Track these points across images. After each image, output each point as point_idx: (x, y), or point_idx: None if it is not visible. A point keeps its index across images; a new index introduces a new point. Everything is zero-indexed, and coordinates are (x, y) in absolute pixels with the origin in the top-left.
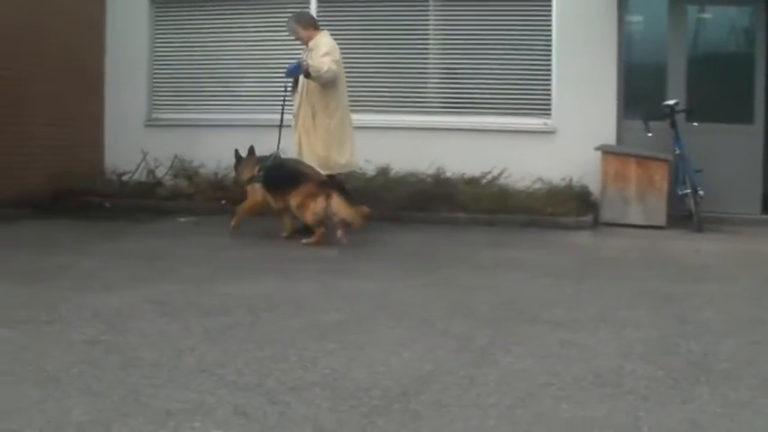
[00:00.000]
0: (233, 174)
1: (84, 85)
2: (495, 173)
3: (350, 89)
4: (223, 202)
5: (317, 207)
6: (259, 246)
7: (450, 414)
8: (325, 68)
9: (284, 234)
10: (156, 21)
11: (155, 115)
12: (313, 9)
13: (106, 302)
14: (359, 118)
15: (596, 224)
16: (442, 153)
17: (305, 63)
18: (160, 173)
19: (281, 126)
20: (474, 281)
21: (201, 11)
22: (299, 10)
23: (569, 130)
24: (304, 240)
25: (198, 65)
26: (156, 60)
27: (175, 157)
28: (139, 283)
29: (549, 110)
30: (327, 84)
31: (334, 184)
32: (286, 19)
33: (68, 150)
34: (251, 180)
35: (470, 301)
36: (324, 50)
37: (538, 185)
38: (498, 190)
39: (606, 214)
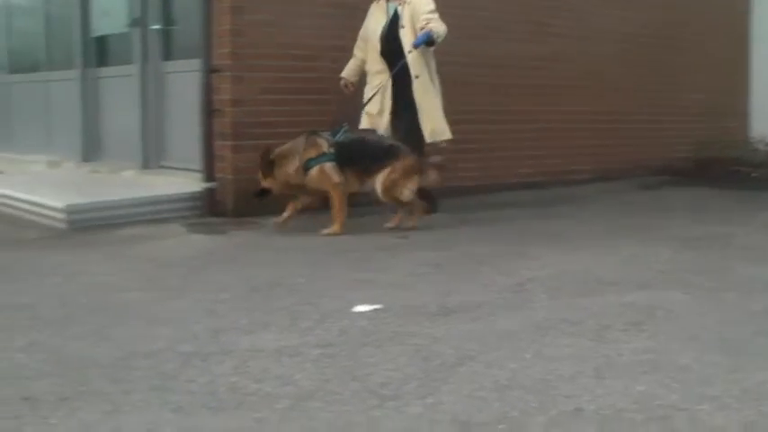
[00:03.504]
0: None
1: (732, 55)
2: None
3: None
4: None
5: (415, 185)
6: None
7: None
8: (443, 29)
9: (282, 218)
10: None
11: None
12: None
13: None
14: None
15: None
16: None
17: (431, 33)
18: None
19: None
20: None
21: None
22: None
23: None
24: (388, 224)
25: None
26: None
27: None
28: None
29: None
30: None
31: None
32: None
33: (714, 119)
34: (307, 164)
35: None
36: (431, 6)
37: None
38: None
39: None
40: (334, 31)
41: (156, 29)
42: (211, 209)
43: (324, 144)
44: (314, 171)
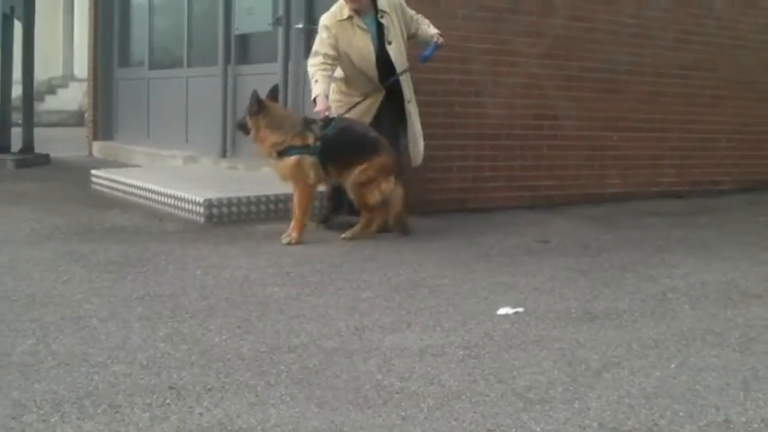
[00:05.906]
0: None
1: None
2: None
3: None
4: None
5: (387, 187)
6: None
7: None
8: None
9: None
10: None
11: None
12: None
13: None
14: None
15: None
16: None
17: (439, 39)
18: None
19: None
20: None
21: None
22: None
23: None
24: (345, 235)
25: None
26: None
27: None
28: None
29: None
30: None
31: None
32: None
33: None
34: (287, 151)
35: None
36: (411, 10)
37: None
38: None
39: None
40: (482, 34)
41: (299, 28)
42: (350, 208)
43: (310, 137)
44: (290, 160)
